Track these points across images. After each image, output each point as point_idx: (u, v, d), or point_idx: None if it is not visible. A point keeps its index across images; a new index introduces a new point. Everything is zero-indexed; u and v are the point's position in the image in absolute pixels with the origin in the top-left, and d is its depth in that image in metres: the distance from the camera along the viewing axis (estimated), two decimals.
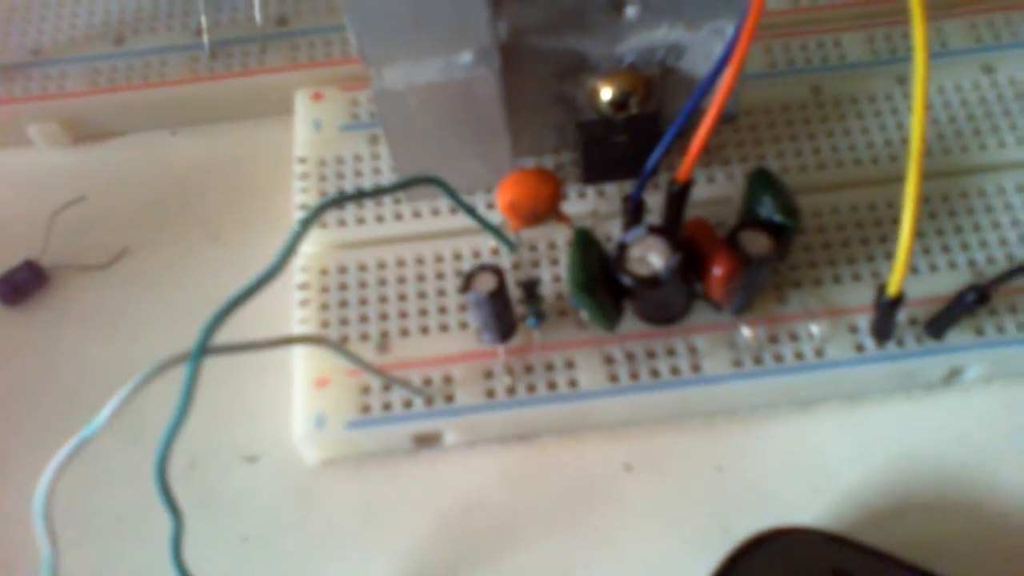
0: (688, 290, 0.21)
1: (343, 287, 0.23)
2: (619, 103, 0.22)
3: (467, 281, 0.20)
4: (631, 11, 0.21)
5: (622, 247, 0.20)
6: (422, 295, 0.23)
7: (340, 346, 0.19)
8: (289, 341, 0.18)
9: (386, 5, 0.19)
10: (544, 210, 0.20)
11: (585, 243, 0.20)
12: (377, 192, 0.19)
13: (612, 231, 0.24)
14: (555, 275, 0.23)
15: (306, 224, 0.17)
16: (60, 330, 0.25)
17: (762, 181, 0.21)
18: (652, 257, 0.19)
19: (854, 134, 0.25)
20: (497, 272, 0.20)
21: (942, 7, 0.27)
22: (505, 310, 0.21)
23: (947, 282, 0.22)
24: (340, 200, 0.18)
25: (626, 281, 0.19)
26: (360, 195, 0.19)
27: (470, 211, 0.21)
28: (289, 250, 0.17)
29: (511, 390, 0.21)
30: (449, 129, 0.22)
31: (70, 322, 0.25)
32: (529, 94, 0.22)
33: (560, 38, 0.21)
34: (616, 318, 0.21)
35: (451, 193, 0.20)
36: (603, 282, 0.20)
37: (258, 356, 0.18)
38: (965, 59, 0.26)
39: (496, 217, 0.24)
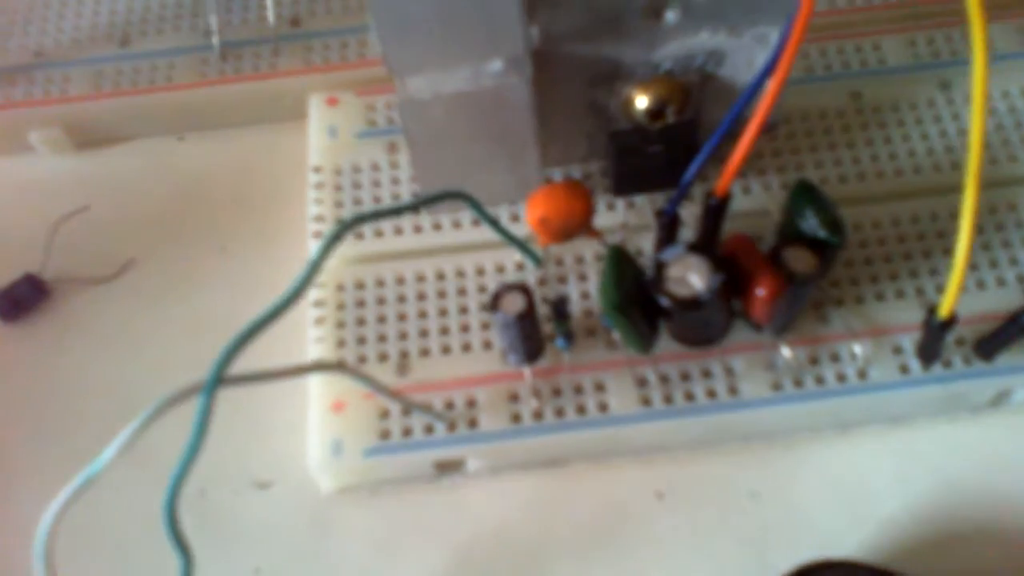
0: (728, 311, 0.19)
1: (360, 304, 0.22)
2: (655, 112, 0.21)
3: (494, 301, 0.19)
4: (671, 16, 0.19)
5: (659, 266, 0.18)
6: (443, 313, 0.22)
7: (359, 372, 0.18)
8: (307, 370, 0.17)
9: (416, 13, 0.18)
10: (576, 226, 0.19)
11: (619, 261, 0.18)
12: (399, 210, 0.18)
13: (643, 245, 0.22)
14: (583, 292, 0.22)
15: (324, 251, 0.16)
16: (62, 347, 0.24)
17: (805, 194, 0.20)
18: (692, 277, 0.18)
19: (895, 143, 0.24)
20: (525, 292, 0.19)
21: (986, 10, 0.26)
22: (533, 331, 0.20)
23: (996, 300, 0.21)
24: (359, 222, 0.17)
25: (664, 302, 0.18)
26: (380, 214, 0.17)
27: (497, 226, 0.20)
28: (307, 278, 0.16)
29: (538, 414, 0.20)
30: (475, 139, 0.21)
31: (73, 338, 0.24)
32: (560, 102, 0.21)
33: (595, 44, 0.20)
34: (651, 339, 0.20)
35: (479, 208, 0.19)
36: (638, 302, 0.19)
37: None
38: (1013, 64, 0.25)
39: (520, 230, 0.22)
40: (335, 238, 0.17)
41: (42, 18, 0.28)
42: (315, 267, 0.16)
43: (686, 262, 0.18)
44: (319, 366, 0.19)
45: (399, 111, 0.20)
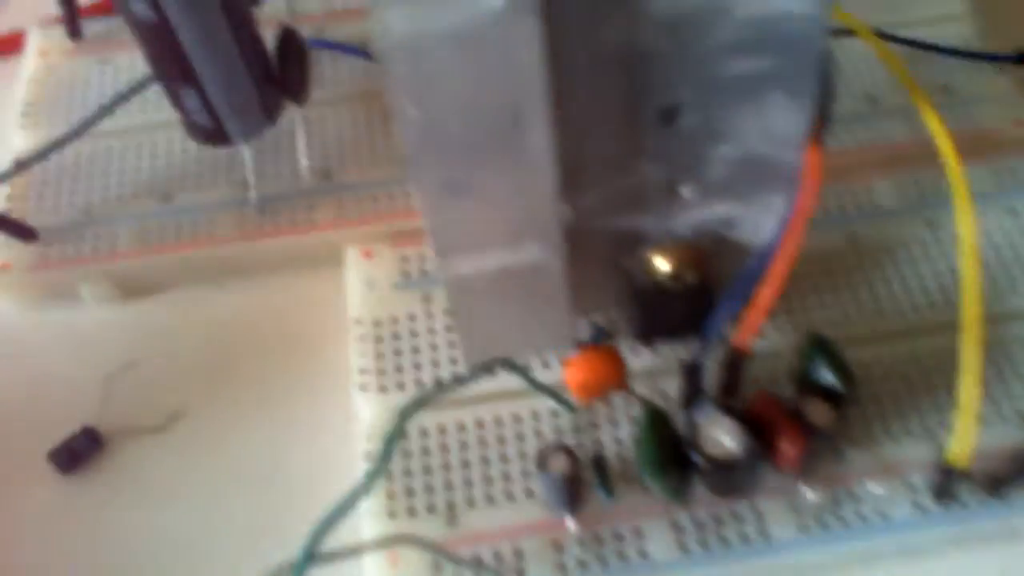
0: (759, 466, 0.21)
1: (407, 455, 0.23)
2: (674, 275, 0.23)
3: (540, 461, 0.20)
4: (686, 192, 0.22)
5: (693, 426, 0.20)
6: (485, 461, 0.23)
7: (434, 546, 0.20)
8: (391, 543, 0.19)
9: (461, 211, 0.20)
10: (611, 388, 0.21)
11: (655, 423, 0.20)
12: (454, 385, 0.20)
13: (666, 387, 0.24)
14: (616, 437, 0.23)
15: (393, 440, 0.18)
16: (118, 500, 0.25)
17: (818, 349, 0.21)
18: (724, 438, 0.20)
19: (893, 283, 0.26)
20: (570, 454, 0.20)
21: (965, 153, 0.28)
22: (577, 487, 0.21)
23: (998, 434, 0.23)
24: (415, 409, 0.19)
25: (699, 462, 0.20)
26: (430, 398, 0.19)
27: (539, 386, 0.22)
28: (383, 464, 0.17)
29: (583, 564, 0.21)
30: (512, 303, 0.22)
31: (127, 491, 0.25)
32: (588, 265, 0.23)
33: (619, 218, 0.22)
34: (687, 492, 0.21)
35: (523, 374, 0.21)
36: (674, 459, 0.20)
37: None
38: (990, 203, 0.27)
39: (550, 374, 0.24)
40: (396, 435, 0.18)
41: (88, 176, 0.30)
42: (390, 452, 0.18)
43: (718, 422, 0.20)
44: (398, 540, 0.20)
45: (446, 288, 0.21)
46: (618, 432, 0.23)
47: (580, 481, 0.21)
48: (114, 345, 0.28)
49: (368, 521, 0.22)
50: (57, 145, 0.29)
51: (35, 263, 0.28)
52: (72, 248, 0.28)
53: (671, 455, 0.20)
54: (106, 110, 0.30)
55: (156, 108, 0.30)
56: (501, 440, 0.24)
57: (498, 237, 0.21)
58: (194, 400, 0.27)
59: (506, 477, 0.23)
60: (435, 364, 0.25)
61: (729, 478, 0.21)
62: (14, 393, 0.27)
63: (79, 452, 0.26)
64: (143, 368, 0.27)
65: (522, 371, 0.21)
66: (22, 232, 0.28)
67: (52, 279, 0.28)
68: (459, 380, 0.19)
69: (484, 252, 0.21)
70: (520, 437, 0.24)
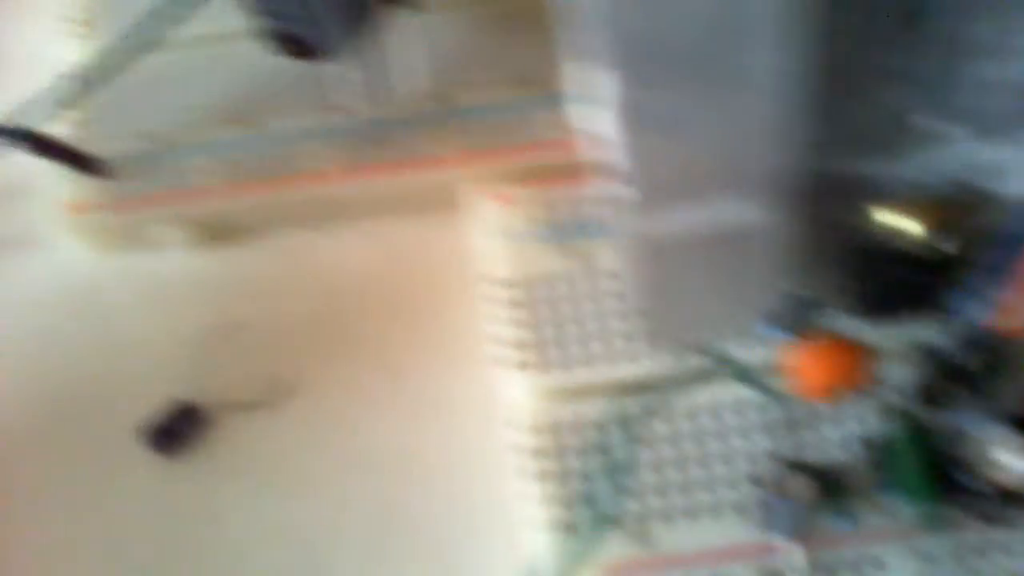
0: None
1: (578, 451, 0.19)
2: (929, 238, 0.18)
3: (775, 483, 0.16)
4: (952, 131, 0.16)
5: (969, 441, 0.16)
6: (681, 463, 0.19)
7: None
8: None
9: (680, 157, 0.15)
10: (858, 386, 0.16)
11: (918, 439, 0.16)
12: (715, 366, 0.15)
13: (889, 373, 0.19)
14: (839, 435, 0.19)
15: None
16: (221, 482, 0.21)
17: None
18: (1012, 458, 0.15)
19: None
20: (819, 473, 0.16)
21: None
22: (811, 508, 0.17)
23: None
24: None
25: (984, 491, 0.15)
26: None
27: (746, 377, 0.17)
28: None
29: None
30: (712, 273, 0.18)
31: (232, 473, 0.22)
32: (808, 226, 0.18)
33: (851, 162, 0.17)
34: (945, 516, 0.17)
35: (729, 365, 0.16)
36: (936, 479, 0.16)
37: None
38: None
39: (749, 354, 0.19)
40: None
41: (156, 97, 0.25)
42: None
43: (1005, 438, 0.16)
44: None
45: (629, 247, 0.17)
46: (843, 431, 0.19)
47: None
48: (204, 300, 0.24)
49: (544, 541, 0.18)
50: (126, 57, 0.24)
51: (106, 202, 0.24)
52: (147, 184, 0.24)
53: (933, 474, 0.16)
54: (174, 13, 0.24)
55: (235, 14, 0.25)
56: (699, 437, 0.19)
57: (702, 186, 0.16)
58: (303, 367, 0.22)
59: (710, 486, 0.19)
60: (584, 339, 0.21)
61: (1012, 505, 0.16)
62: (91, 355, 0.23)
63: (173, 429, 0.22)
64: (241, 329, 0.23)
65: (729, 362, 0.16)
66: (90, 165, 0.24)
67: (128, 222, 0.24)
68: (722, 361, 0.15)
69: (681, 206, 0.16)
70: (722, 432, 0.19)
